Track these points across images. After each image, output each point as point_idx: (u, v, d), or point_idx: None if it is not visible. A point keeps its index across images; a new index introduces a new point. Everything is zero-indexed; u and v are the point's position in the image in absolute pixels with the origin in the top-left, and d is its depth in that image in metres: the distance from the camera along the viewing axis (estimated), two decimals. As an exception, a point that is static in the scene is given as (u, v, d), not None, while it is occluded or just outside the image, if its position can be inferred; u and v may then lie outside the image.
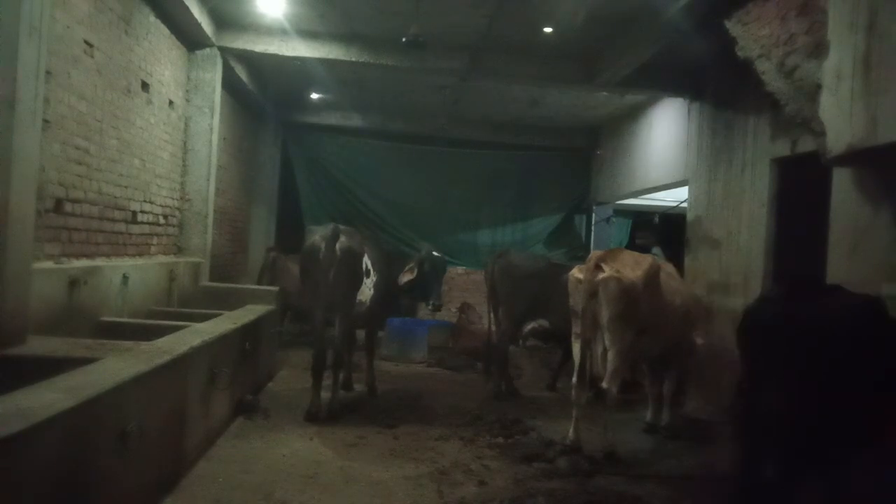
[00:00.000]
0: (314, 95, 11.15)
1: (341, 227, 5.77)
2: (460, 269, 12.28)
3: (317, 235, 5.64)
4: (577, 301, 5.06)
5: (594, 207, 12.67)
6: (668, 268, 5.69)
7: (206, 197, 7.71)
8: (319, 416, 5.42)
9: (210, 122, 7.72)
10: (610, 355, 4.87)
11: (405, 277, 6.44)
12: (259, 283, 9.20)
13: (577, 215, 13.01)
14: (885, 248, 4.39)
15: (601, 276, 4.89)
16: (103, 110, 5.35)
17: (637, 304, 4.89)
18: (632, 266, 5.04)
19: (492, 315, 7.08)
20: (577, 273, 5.14)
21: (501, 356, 6.93)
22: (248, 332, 5.57)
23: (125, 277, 5.52)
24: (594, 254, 5.25)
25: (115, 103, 5.57)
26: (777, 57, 4.81)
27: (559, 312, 6.02)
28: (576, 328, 5.13)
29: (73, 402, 2.54)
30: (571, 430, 5.02)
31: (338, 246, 5.50)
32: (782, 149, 6.31)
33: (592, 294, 4.89)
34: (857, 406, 3.03)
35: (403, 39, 6.52)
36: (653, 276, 5.10)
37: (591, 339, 4.99)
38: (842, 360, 3.06)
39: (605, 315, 4.86)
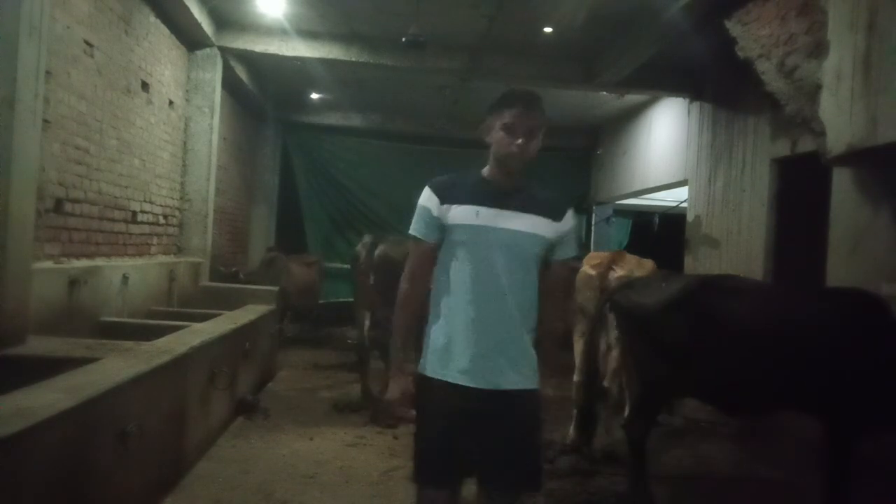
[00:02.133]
0: (314, 95, 11.15)
1: (390, 237, 6.31)
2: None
3: (359, 245, 6.47)
4: (587, 298, 4.99)
5: (594, 207, 12.67)
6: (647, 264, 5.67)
7: (206, 197, 7.71)
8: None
9: (210, 122, 7.72)
10: (614, 353, 4.86)
11: None
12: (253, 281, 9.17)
13: (576, 215, 13.00)
14: (885, 248, 4.39)
15: (616, 274, 4.86)
16: (103, 110, 5.35)
17: None
18: (636, 268, 5.03)
19: None
20: (589, 269, 5.06)
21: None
22: (248, 332, 5.57)
23: (125, 277, 5.51)
24: (599, 255, 5.21)
25: (115, 103, 5.57)
26: (777, 57, 4.81)
27: None
28: (581, 325, 5.10)
29: (73, 402, 2.53)
30: (572, 430, 5.02)
31: (376, 253, 6.00)
32: (782, 149, 6.31)
33: (604, 291, 4.86)
34: None
35: (403, 39, 6.52)
36: None
37: (597, 338, 4.97)
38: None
39: None
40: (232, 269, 8.77)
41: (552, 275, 2.35)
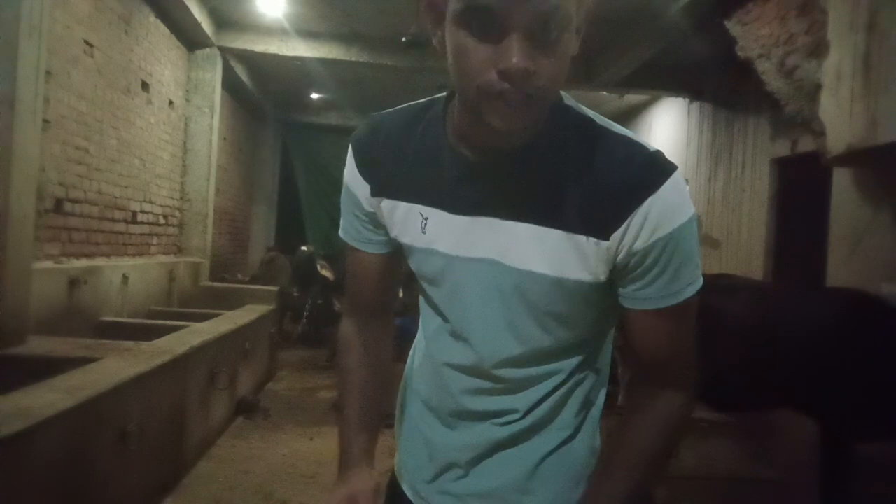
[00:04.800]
0: (314, 95, 11.15)
1: None
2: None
3: None
4: None
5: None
6: None
7: (206, 197, 7.72)
8: None
9: (210, 122, 7.72)
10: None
11: None
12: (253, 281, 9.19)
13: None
14: (885, 248, 4.39)
15: None
16: (103, 110, 5.35)
17: None
18: None
19: None
20: None
21: None
22: (248, 332, 5.57)
23: (125, 277, 5.52)
24: None
25: (115, 103, 5.57)
26: (777, 57, 4.81)
27: None
28: None
29: (73, 402, 2.53)
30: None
31: None
32: (782, 149, 6.31)
33: None
34: None
35: (403, 39, 6.53)
36: None
37: None
38: None
39: None
40: (237, 277, 8.81)
41: (648, 364, 1.02)
